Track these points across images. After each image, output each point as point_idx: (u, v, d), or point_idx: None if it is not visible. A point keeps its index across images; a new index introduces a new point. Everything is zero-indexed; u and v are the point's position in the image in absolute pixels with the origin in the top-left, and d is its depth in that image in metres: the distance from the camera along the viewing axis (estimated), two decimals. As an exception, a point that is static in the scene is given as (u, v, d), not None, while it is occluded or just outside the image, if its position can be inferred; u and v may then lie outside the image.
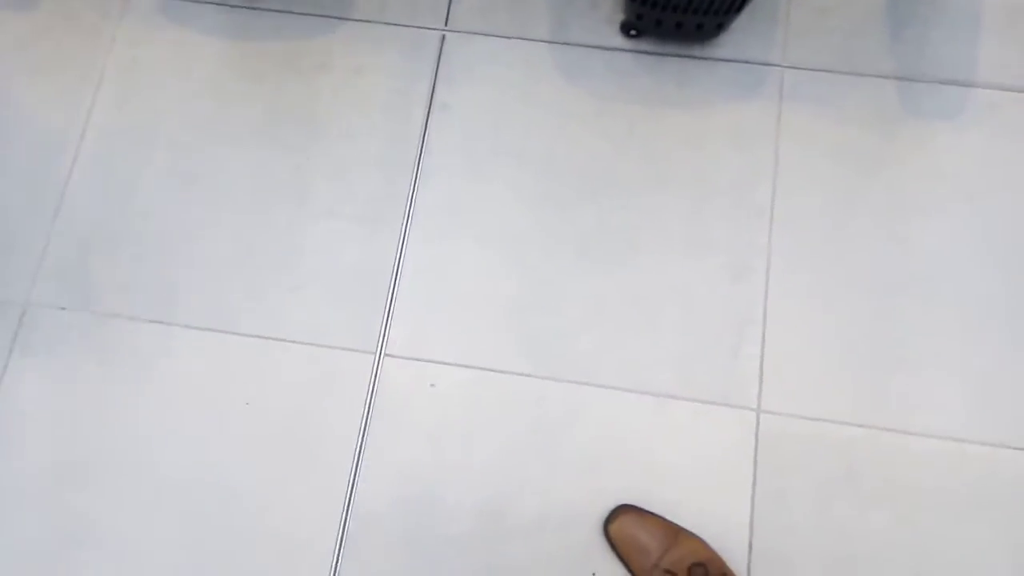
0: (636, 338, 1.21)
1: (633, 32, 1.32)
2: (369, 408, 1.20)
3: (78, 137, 1.33)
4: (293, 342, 1.22)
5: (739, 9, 1.19)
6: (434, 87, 1.33)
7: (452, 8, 1.37)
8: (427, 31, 1.36)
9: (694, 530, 1.12)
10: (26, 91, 1.36)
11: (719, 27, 1.27)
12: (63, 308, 1.26)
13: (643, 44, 1.34)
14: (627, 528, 1.11)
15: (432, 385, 1.20)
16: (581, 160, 1.29)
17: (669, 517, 1.12)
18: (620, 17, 1.35)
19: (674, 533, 1.10)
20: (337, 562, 1.14)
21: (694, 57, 1.33)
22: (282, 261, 1.26)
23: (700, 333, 1.21)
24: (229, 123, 1.33)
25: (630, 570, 1.10)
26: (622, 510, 1.12)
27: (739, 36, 1.32)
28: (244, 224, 1.28)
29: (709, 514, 1.13)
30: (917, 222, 1.24)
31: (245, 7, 1.38)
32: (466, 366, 1.21)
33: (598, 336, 1.21)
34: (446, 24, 1.36)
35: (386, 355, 1.22)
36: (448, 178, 1.29)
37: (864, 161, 1.27)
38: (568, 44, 1.34)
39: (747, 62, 1.32)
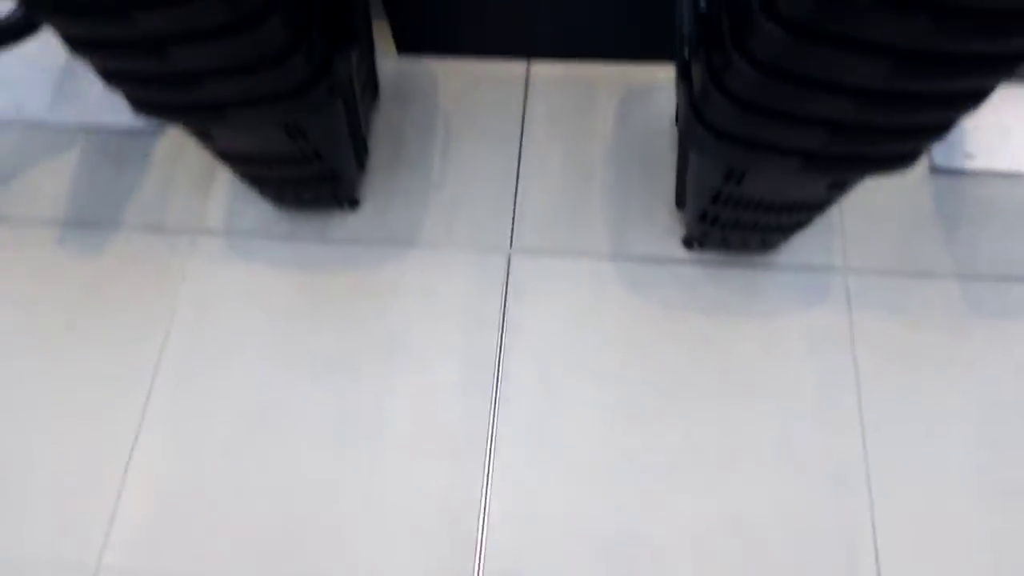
0: (743, 569, 1.15)
1: (696, 245, 1.37)
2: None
3: (151, 376, 1.31)
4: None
5: (805, 225, 1.24)
6: (504, 308, 1.35)
7: (516, 229, 1.41)
8: (493, 253, 1.40)
9: None
10: (97, 336, 1.35)
11: (783, 240, 1.32)
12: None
13: (706, 255, 1.38)
14: None
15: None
16: (658, 375, 1.28)
17: None
18: (679, 229, 1.40)
19: None
20: None
21: (757, 266, 1.36)
22: (363, 504, 1.21)
23: (810, 557, 1.15)
24: (303, 355, 1.32)
25: None
26: None
27: (798, 243, 1.37)
28: (322, 462, 1.24)
29: None
30: (1011, 422, 1.22)
31: (313, 240, 1.42)
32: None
33: (701, 570, 1.15)
34: (511, 245, 1.40)
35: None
36: (527, 403, 1.27)
37: (943, 363, 1.27)
38: (630, 258, 1.38)
39: (810, 268, 1.35)
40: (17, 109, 1.58)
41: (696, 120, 0.98)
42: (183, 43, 0.90)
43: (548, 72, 1.57)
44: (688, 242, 1.37)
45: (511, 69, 1.57)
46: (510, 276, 1.38)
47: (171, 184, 1.48)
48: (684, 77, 1.02)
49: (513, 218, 1.42)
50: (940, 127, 0.90)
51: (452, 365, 1.30)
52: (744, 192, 1.11)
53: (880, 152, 0.95)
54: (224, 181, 1.47)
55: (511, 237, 1.41)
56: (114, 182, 1.49)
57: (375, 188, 1.45)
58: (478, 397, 1.28)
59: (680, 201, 1.35)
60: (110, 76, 0.98)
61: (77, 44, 0.93)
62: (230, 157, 1.23)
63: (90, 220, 1.45)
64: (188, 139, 1.50)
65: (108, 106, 1.56)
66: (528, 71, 1.57)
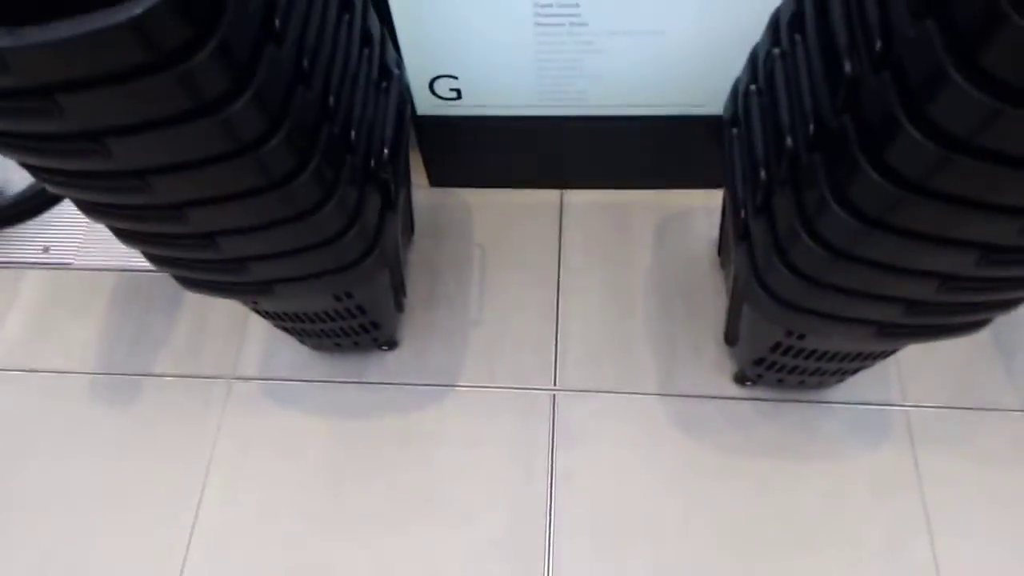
0: None
1: (749, 383, 1.33)
2: None
3: (187, 536, 1.26)
4: None
5: (867, 368, 1.19)
6: (553, 453, 1.30)
7: (559, 367, 1.38)
8: (538, 392, 1.35)
9: None
10: (129, 490, 1.30)
11: (840, 381, 1.28)
12: None
13: (758, 392, 1.33)
14: None
15: None
16: (718, 526, 1.22)
17: None
18: (728, 363, 1.36)
19: None
20: None
21: (813, 402, 1.32)
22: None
23: None
24: (344, 510, 1.26)
25: None
26: None
27: (852, 377, 1.32)
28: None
29: None
30: (1096, 573, 1.16)
31: (351, 382, 1.38)
32: None
33: None
34: (555, 383, 1.36)
35: None
36: (583, 565, 1.21)
37: (1017, 500, 1.21)
38: (679, 396, 1.34)
39: (868, 404, 1.31)
40: (45, 250, 1.56)
41: (759, 287, 0.96)
42: (235, 234, 0.88)
43: (582, 199, 1.55)
44: (740, 379, 1.33)
45: (545, 197, 1.56)
46: (556, 416, 1.33)
47: (204, 327, 1.45)
48: (743, 238, 0.99)
49: (556, 355, 1.39)
50: (1020, 300, 0.87)
51: (501, 519, 1.24)
52: (807, 345, 1.08)
53: (954, 323, 0.91)
54: (258, 324, 1.44)
55: (554, 375, 1.37)
56: (146, 326, 1.46)
57: (413, 327, 1.42)
58: (529, 558, 1.21)
59: (730, 339, 1.31)
60: (157, 261, 0.96)
61: (125, 237, 0.91)
62: (271, 316, 1.21)
63: (122, 368, 1.42)
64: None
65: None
66: (562, 199, 1.56)
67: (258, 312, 1.20)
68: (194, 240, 0.88)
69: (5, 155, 0.74)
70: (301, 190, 0.82)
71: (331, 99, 0.86)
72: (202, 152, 0.73)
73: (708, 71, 1.24)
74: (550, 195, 1.56)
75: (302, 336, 1.32)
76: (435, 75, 1.30)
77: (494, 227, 1.53)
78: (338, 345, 1.35)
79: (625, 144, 1.44)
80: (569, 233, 1.52)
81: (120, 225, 0.89)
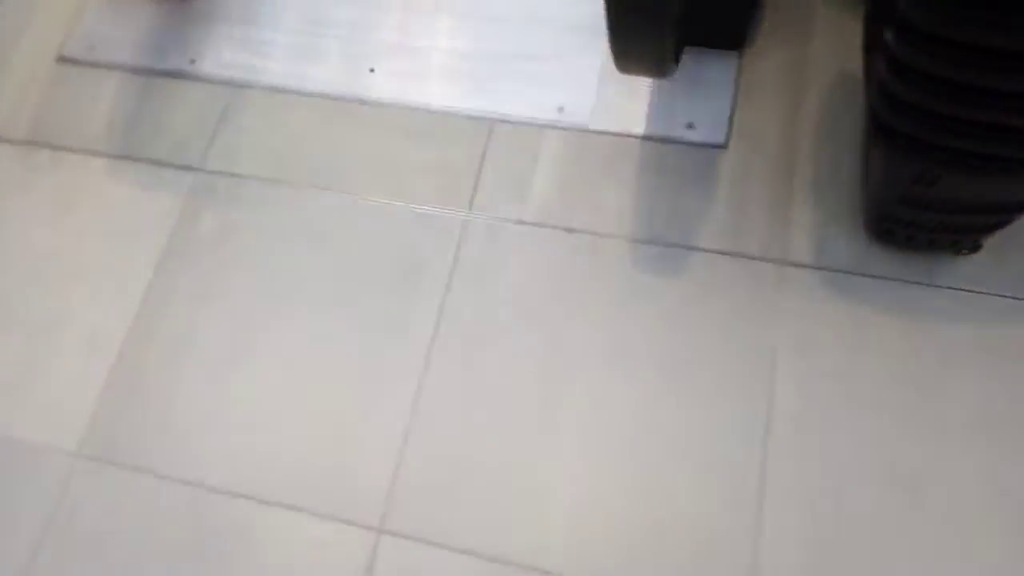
0: None
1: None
2: None
3: (764, 425, 1.25)
4: None
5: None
6: None
7: None
8: None
9: None
10: (694, 368, 1.30)
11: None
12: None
13: None
14: None
15: None
16: None
17: None
18: None
19: None
20: None
21: None
22: None
23: None
24: (931, 414, 1.21)
25: None
26: None
27: None
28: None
29: None
30: None
31: (922, 284, 1.29)
32: None
33: None
34: None
35: None
36: None
37: None
38: None
39: None
40: (559, 111, 1.55)
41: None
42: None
43: None
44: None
45: None
46: None
47: (745, 207, 1.39)
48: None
49: None
50: None
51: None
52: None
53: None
54: (804, 208, 1.37)
55: None
56: (680, 199, 1.42)
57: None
58: None
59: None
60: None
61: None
62: (922, 203, 1.11)
63: (661, 239, 1.40)
64: (756, 157, 1.42)
65: (659, 115, 1.50)
66: None
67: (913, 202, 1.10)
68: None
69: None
70: None
71: None
72: None
73: None
74: None
75: (907, 229, 1.22)
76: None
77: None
78: (930, 243, 1.25)
79: None
80: None
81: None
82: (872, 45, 1.05)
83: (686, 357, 1.31)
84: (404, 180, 1.52)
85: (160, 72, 1.69)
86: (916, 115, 0.92)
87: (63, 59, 1.74)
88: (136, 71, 1.70)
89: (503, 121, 1.54)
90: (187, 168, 1.58)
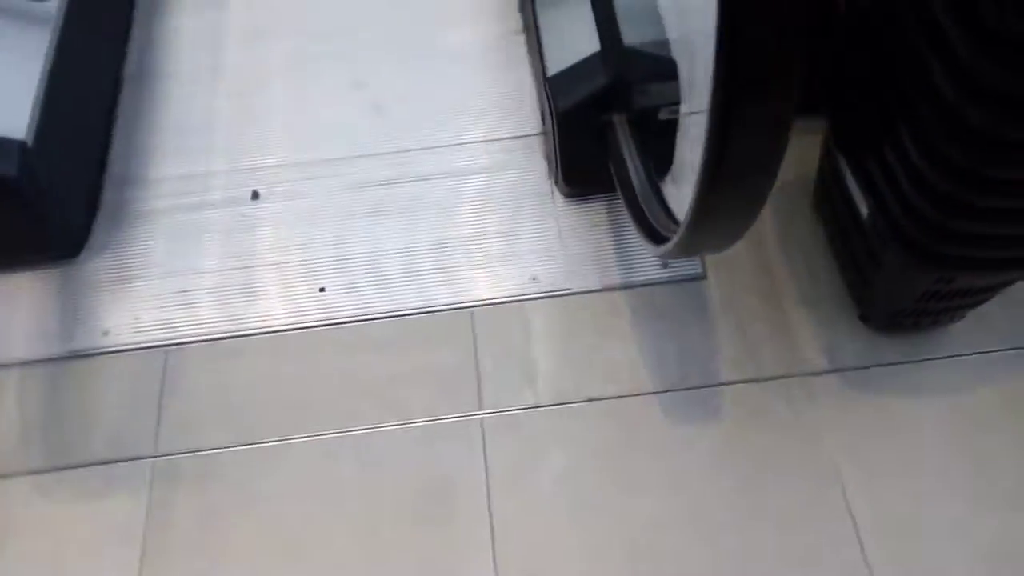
0: None
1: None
2: None
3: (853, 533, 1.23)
4: None
5: None
6: None
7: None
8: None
9: None
10: (769, 505, 1.26)
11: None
12: None
13: None
14: None
15: None
16: None
17: None
18: None
19: None
20: None
21: None
22: None
23: None
24: (1000, 484, 1.25)
25: None
26: None
27: None
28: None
29: None
30: None
31: (931, 359, 1.36)
32: None
33: None
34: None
35: None
36: None
37: None
38: None
39: None
40: (533, 281, 1.51)
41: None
42: None
43: None
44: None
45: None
46: None
47: (746, 331, 1.41)
48: None
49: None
50: None
51: None
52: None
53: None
54: (800, 317, 1.42)
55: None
56: (683, 339, 1.42)
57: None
58: None
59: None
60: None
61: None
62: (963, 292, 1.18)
63: (682, 383, 1.37)
64: (736, 281, 1.46)
65: (630, 261, 1.51)
66: None
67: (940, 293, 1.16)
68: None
69: None
70: None
71: None
72: None
73: None
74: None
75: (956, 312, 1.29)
76: None
77: None
78: (916, 324, 1.33)
79: None
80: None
81: None
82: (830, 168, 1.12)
83: (755, 498, 1.28)
84: (395, 396, 1.39)
85: (68, 355, 1.45)
86: (944, 234, 0.98)
87: (-67, 373, 1.45)
88: (36, 363, 1.45)
89: (481, 305, 1.48)
90: (138, 458, 1.34)
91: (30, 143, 1.40)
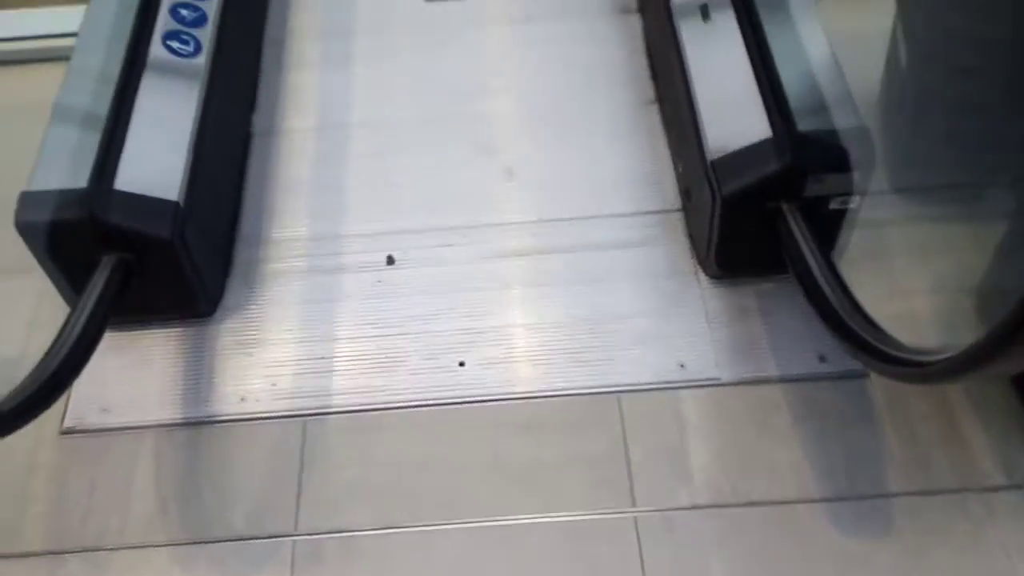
0: None
1: None
2: None
3: None
4: None
5: None
6: None
7: None
8: None
9: None
10: None
11: None
12: None
13: None
14: None
15: None
16: None
17: None
18: None
19: None
20: None
21: None
22: None
23: None
24: None
25: None
26: None
27: None
28: None
29: None
30: None
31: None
32: None
33: None
34: None
35: None
36: None
37: None
38: None
39: None
40: (681, 368, 1.45)
41: None
42: None
43: None
44: None
45: None
46: None
47: (916, 436, 1.33)
48: None
49: None
50: None
51: None
52: None
53: None
54: (972, 424, 1.34)
55: None
56: (849, 442, 1.34)
57: None
58: None
59: None
60: None
61: None
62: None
63: (851, 492, 1.30)
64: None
65: (785, 352, 1.44)
66: None
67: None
68: None
69: None
70: None
71: None
72: None
73: None
74: None
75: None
76: None
77: None
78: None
79: None
80: None
81: None
82: None
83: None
84: (543, 485, 1.33)
85: (205, 420, 1.41)
86: None
87: (69, 432, 1.41)
88: (173, 426, 1.41)
89: (628, 392, 1.42)
90: (279, 536, 1.29)
91: (182, 203, 1.39)
